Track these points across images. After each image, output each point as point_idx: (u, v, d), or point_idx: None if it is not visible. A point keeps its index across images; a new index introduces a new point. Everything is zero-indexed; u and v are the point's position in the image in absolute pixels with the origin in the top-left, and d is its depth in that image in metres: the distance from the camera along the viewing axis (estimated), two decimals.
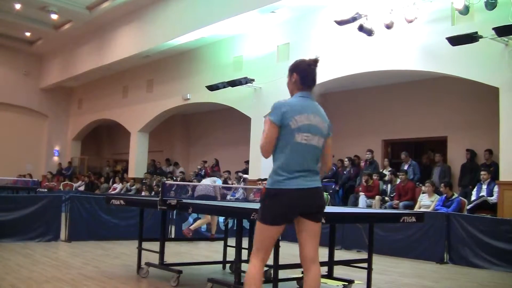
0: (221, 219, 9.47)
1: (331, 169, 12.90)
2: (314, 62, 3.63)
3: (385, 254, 8.40)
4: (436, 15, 9.91)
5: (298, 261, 5.87)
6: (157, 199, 5.23)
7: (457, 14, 9.43)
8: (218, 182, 9.31)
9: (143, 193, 15.56)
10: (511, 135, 8.85)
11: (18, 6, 16.75)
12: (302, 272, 5.46)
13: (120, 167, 21.61)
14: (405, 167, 11.67)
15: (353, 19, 10.52)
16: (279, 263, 4.42)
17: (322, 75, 11.74)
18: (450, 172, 11.55)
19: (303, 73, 3.62)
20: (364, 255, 5.41)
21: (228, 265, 6.35)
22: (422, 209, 9.58)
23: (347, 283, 5.36)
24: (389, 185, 11.59)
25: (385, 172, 12.04)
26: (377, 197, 11.22)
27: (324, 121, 3.49)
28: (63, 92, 23.09)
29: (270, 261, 4.57)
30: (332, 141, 3.63)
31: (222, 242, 6.45)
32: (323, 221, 3.63)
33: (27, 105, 22.27)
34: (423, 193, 10.16)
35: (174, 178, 17.14)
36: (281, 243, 4.53)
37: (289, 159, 3.32)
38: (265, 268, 5.68)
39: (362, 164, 12.84)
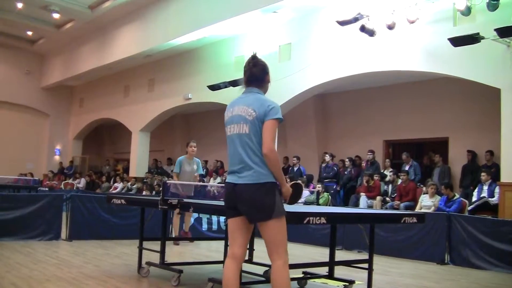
0: (222, 218, 9.48)
1: (333, 169, 12.90)
2: (252, 59, 3.75)
3: (386, 255, 8.39)
4: (438, 16, 9.90)
5: (297, 261, 5.88)
6: (158, 198, 5.24)
7: (459, 15, 9.42)
8: (197, 162, 9.01)
9: (144, 193, 15.56)
10: None
11: (20, 5, 16.75)
12: (303, 272, 5.49)
13: (121, 166, 21.63)
14: (406, 168, 11.67)
15: (355, 20, 10.52)
16: None
17: (324, 76, 11.78)
18: (450, 173, 11.55)
19: (244, 74, 3.74)
20: (365, 256, 5.41)
21: None
22: (423, 210, 9.58)
23: (347, 284, 5.36)
24: (390, 186, 11.59)
25: (386, 172, 12.03)
26: (378, 197, 11.21)
27: (249, 106, 3.48)
28: (65, 91, 23.11)
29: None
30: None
31: (222, 242, 6.45)
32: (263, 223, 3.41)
33: (28, 104, 22.29)
34: (424, 193, 10.15)
35: None
36: None
37: (229, 155, 3.56)
38: (266, 268, 5.72)
39: (363, 164, 12.84)
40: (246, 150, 3.42)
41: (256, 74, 3.64)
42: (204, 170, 16.98)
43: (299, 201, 4.21)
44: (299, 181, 4.05)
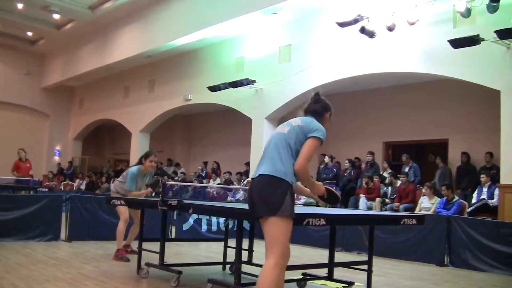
0: (222, 220, 9.47)
1: (333, 171, 12.91)
2: (314, 95, 3.93)
3: (386, 256, 8.39)
4: (438, 18, 9.91)
5: (298, 262, 5.88)
6: (158, 199, 5.23)
7: (459, 17, 9.43)
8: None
9: None
10: None
11: (20, 6, 16.78)
12: (302, 274, 5.49)
13: (121, 167, 21.60)
14: (406, 169, 11.67)
15: (355, 21, 10.52)
16: None
17: (324, 77, 11.79)
18: (450, 174, 11.55)
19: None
20: (365, 257, 5.39)
21: (228, 266, 6.35)
22: (422, 212, 9.58)
23: (347, 285, 5.36)
24: (389, 187, 11.59)
25: (386, 174, 12.03)
26: (378, 199, 11.21)
27: (300, 119, 3.67)
28: (65, 92, 23.12)
29: None
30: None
31: (222, 243, 6.45)
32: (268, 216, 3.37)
33: (28, 104, 22.30)
34: (423, 195, 10.15)
35: (176, 179, 17.14)
36: None
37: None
38: None
39: (363, 166, 12.84)
40: (277, 148, 3.49)
41: (315, 109, 3.80)
42: (204, 171, 16.99)
43: (299, 202, 4.21)
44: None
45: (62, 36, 19.49)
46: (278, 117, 13.70)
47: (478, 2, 8.99)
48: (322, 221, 3.94)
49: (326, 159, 13.12)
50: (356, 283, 5.45)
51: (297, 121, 3.64)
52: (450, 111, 12.23)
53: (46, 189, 16.38)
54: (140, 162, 7.02)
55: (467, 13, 9.09)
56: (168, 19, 15.11)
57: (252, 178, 3.52)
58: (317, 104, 3.81)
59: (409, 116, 12.99)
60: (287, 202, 3.34)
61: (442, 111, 12.37)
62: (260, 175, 3.43)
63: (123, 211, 6.94)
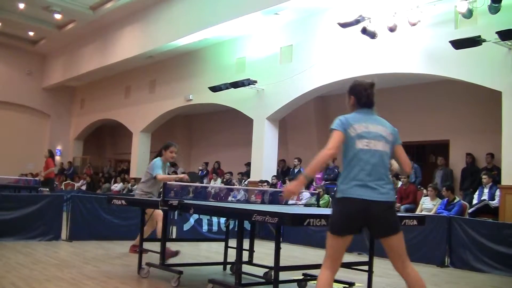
0: (222, 220, 9.47)
1: (334, 171, 12.90)
2: (370, 86, 3.72)
3: (386, 257, 8.35)
4: (440, 19, 9.90)
5: (299, 262, 5.86)
6: (159, 199, 5.23)
7: (461, 18, 9.42)
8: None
9: None
10: None
11: (21, 6, 16.81)
12: (303, 274, 5.48)
13: (122, 167, 21.63)
14: None
15: (357, 22, 10.52)
16: (280, 265, 4.40)
17: (325, 77, 11.78)
18: (452, 175, 11.54)
19: (358, 96, 3.73)
20: (365, 258, 5.39)
21: (228, 266, 6.35)
22: (423, 213, 9.57)
23: (348, 286, 5.35)
24: None
25: None
26: None
27: (387, 128, 3.58)
28: (66, 92, 23.15)
29: (271, 263, 4.57)
30: None
31: (223, 243, 6.45)
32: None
33: (29, 104, 22.33)
34: (424, 196, 10.14)
35: None
36: (282, 245, 4.52)
37: (358, 167, 3.44)
38: (266, 270, 5.72)
39: None
40: (385, 168, 3.50)
41: (374, 101, 3.70)
42: (205, 171, 16.99)
43: (300, 203, 4.22)
44: None
45: (63, 36, 19.52)
46: (279, 118, 13.71)
47: (480, 3, 8.98)
48: (323, 222, 3.94)
49: None
50: (357, 284, 5.44)
51: (387, 132, 3.57)
52: (451, 112, 12.22)
53: (47, 189, 16.36)
54: (160, 154, 7.07)
55: (469, 14, 9.08)
56: (169, 20, 15.12)
57: (364, 199, 3.39)
58: (374, 96, 3.72)
59: (410, 117, 12.97)
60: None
61: (443, 112, 12.36)
62: (386, 201, 3.44)
63: (157, 212, 6.43)
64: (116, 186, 17.99)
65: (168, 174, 7.40)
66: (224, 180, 15.15)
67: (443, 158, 11.82)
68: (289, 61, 12.94)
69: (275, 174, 13.37)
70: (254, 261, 6.10)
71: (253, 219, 4.04)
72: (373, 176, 3.41)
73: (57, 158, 22.89)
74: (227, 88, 13.56)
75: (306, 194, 10.83)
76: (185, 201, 5.08)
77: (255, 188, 12.50)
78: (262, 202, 11.50)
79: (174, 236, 9.30)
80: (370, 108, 3.65)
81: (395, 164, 3.74)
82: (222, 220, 9.50)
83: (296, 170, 13.59)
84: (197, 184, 14.40)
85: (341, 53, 11.52)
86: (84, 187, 19.21)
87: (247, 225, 6.25)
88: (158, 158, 7.00)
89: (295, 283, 5.35)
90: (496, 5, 8.61)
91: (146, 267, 5.70)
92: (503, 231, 7.54)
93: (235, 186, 13.76)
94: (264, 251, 7.71)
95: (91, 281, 5.21)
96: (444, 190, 9.62)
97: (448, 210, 9.26)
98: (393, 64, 10.74)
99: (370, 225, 3.48)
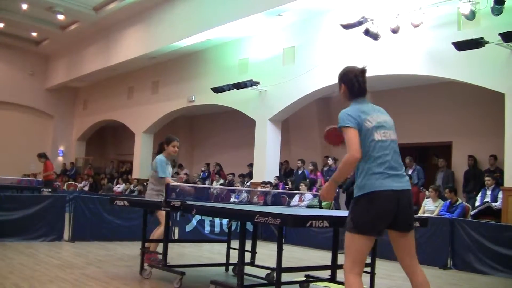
0: (225, 221, 9.47)
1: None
2: (361, 73, 3.56)
3: (389, 259, 8.31)
4: (442, 20, 9.89)
5: (301, 264, 5.86)
6: (161, 200, 5.23)
7: (463, 19, 9.41)
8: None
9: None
10: None
11: (25, 6, 16.84)
12: (305, 275, 5.48)
13: (124, 168, 21.66)
14: (409, 172, 11.64)
15: (359, 23, 10.52)
16: (282, 266, 4.40)
17: (328, 79, 11.78)
18: (453, 177, 11.52)
19: (349, 84, 3.54)
20: (368, 260, 5.39)
21: (231, 268, 6.35)
22: (426, 214, 9.55)
23: None
24: None
25: None
26: None
27: (389, 117, 3.60)
28: (69, 93, 23.19)
29: (273, 264, 4.57)
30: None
31: (225, 244, 6.45)
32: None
33: (32, 105, 22.38)
34: (427, 198, 10.13)
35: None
36: (284, 246, 4.52)
37: (380, 158, 3.36)
38: (268, 271, 5.72)
39: None
40: (400, 156, 3.51)
41: (366, 88, 3.57)
42: (206, 173, 17.00)
43: (302, 204, 4.21)
44: None
45: (66, 37, 19.55)
46: (282, 119, 13.70)
47: (483, 4, 8.97)
48: (325, 223, 3.93)
49: (330, 161, 13.10)
50: None
51: (392, 121, 3.59)
52: (454, 113, 12.21)
53: (49, 190, 16.37)
54: (161, 149, 6.79)
55: (472, 16, 9.07)
56: (172, 21, 15.14)
57: (393, 190, 3.27)
58: (365, 84, 3.57)
59: (412, 119, 12.96)
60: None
61: (446, 114, 12.35)
62: (408, 189, 3.36)
63: (160, 213, 6.30)
64: (119, 187, 18.03)
65: (173, 176, 7.21)
66: (226, 181, 15.16)
67: (444, 160, 11.80)
68: (292, 62, 12.95)
69: (277, 175, 13.37)
70: (256, 263, 6.10)
71: (255, 220, 4.04)
72: (395, 165, 3.37)
73: (60, 158, 22.96)
74: (229, 89, 13.56)
75: (308, 195, 10.83)
76: (187, 202, 5.09)
77: (257, 189, 12.49)
78: (265, 203, 11.50)
79: (176, 237, 9.31)
80: (363, 96, 3.53)
81: None
82: (224, 221, 9.50)
83: (299, 172, 13.59)
84: (200, 185, 14.41)
85: (344, 54, 11.51)
86: (86, 188, 19.24)
87: (249, 226, 6.25)
88: (161, 155, 6.71)
89: (297, 285, 5.36)
90: (499, 6, 8.60)
91: (149, 268, 5.71)
92: (506, 233, 7.53)
93: (237, 188, 13.76)
94: (266, 252, 7.71)
95: (94, 282, 5.22)
96: (446, 191, 9.60)
97: (451, 212, 9.24)
98: (396, 66, 10.73)
99: (397, 218, 3.27)
